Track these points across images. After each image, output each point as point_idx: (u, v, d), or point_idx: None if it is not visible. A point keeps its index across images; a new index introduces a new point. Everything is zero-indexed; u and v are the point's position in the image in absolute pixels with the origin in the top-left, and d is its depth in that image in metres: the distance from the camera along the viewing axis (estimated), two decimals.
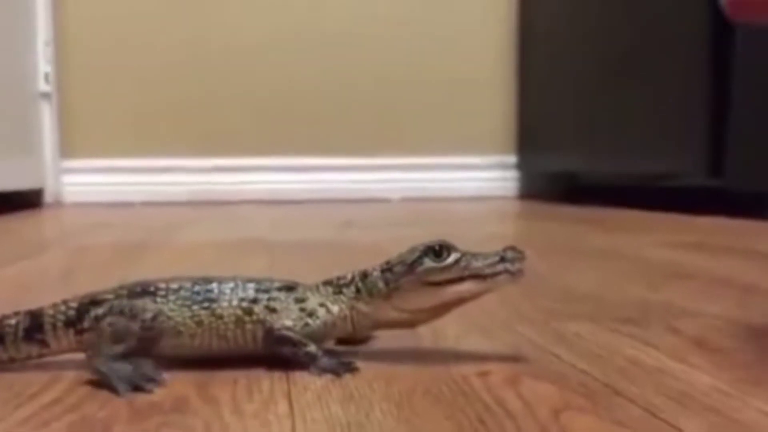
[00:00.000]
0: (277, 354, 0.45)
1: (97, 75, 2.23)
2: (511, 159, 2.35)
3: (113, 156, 2.22)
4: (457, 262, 0.45)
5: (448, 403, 0.39)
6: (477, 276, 0.44)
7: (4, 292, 0.79)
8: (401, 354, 0.49)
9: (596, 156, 1.96)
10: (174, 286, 0.45)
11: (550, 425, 0.36)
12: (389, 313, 0.46)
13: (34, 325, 0.45)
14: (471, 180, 2.33)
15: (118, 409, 0.39)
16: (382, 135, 2.31)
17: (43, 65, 2.15)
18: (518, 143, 2.34)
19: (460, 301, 0.45)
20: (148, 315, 0.44)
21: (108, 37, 2.23)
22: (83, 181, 2.21)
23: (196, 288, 0.45)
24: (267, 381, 0.43)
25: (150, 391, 0.41)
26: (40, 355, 0.46)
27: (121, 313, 0.44)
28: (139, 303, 0.45)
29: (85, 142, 2.22)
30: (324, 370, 0.44)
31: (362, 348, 0.50)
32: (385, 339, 0.51)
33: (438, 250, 0.45)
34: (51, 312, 0.46)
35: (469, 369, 0.45)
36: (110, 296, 0.46)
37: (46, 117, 2.17)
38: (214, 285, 0.46)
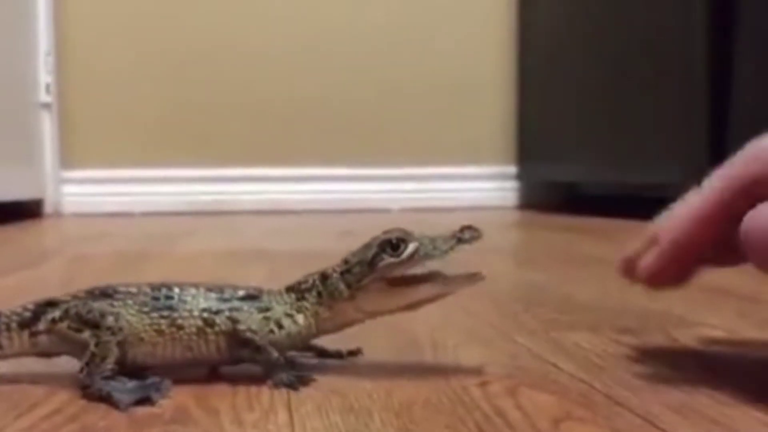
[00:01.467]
0: (238, 358, 0.45)
1: (97, 86, 2.24)
2: (511, 169, 2.35)
3: (113, 166, 2.22)
4: (415, 252, 0.44)
5: (448, 413, 0.39)
6: (438, 276, 0.44)
7: (4, 302, 0.79)
8: (401, 364, 0.49)
9: (596, 166, 1.96)
10: (133, 290, 0.45)
11: None
12: (352, 314, 0.45)
13: None
14: (471, 190, 2.34)
15: (119, 420, 0.39)
16: (381, 145, 2.31)
17: (44, 76, 2.15)
18: (518, 153, 2.34)
19: (423, 302, 0.45)
20: (110, 320, 0.43)
21: (108, 48, 2.24)
22: (83, 192, 2.21)
23: (156, 294, 0.44)
24: (267, 391, 0.43)
25: (154, 403, 0.41)
26: None
27: (78, 316, 0.44)
28: (96, 305, 0.44)
29: (86, 152, 2.23)
30: (280, 384, 0.43)
31: (360, 359, 0.50)
32: (384, 350, 0.51)
33: (395, 243, 0.44)
34: (7, 313, 0.45)
35: (468, 379, 0.45)
36: (68, 298, 0.45)
37: (47, 127, 2.17)
38: (175, 292, 0.45)
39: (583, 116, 2.02)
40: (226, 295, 0.45)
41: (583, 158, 2.02)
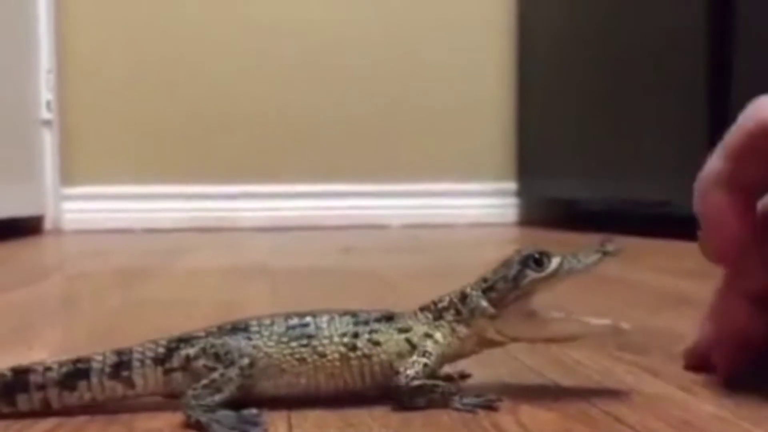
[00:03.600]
0: (383, 389, 0.43)
1: (98, 103, 2.24)
2: (511, 185, 2.35)
3: (114, 183, 2.23)
4: (559, 267, 0.43)
5: (448, 430, 0.39)
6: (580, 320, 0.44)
7: (5, 319, 0.79)
8: None
9: (596, 182, 1.96)
10: (267, 321, 0.43)
11: None
12: (492, 334, 0.44)
13: (121, 362, 0.43)
14: (471, 207, 2.34)
15: None
16: (381, 161, 2.31)
17: (45, 93, 2.16)
18: (518, 170, 2.35)
19: (561, 340, 0.44)
20: (246, 361, 0.42)
21: (109, 66, 2.24)
22: (84, 208, 2.21)
23: (291, 323, 0.43)
24: (266, 407, 0.43)
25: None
26: (124, 397, 0.43)
27: (216, 355, 0.42)
28: (233, 342, 0.42)
29: (86, 169, 2.23)
30: (470, 406, 0.41)
31: None
32: None
33: (538, 258, 0.43)
34: (139, 349, 0.43)
35: (468, 396, 0.45)
36: (201, 334, 0.43)
37: (48, 144, 2.17)
38: (310, 319, 0.43)
39: (583, 132, 2.02)
40: (362, 318, 0.43)
41: (583, 174, 2.02)
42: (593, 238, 0.45)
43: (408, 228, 2.22)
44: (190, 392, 0.40)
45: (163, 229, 2.17)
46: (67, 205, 2.21)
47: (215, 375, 0.41)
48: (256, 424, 0.40)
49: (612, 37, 1.90)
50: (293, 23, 2.29)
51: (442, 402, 0.42)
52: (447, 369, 0.49)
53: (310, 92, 2.29)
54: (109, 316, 0.80)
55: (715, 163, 0.44)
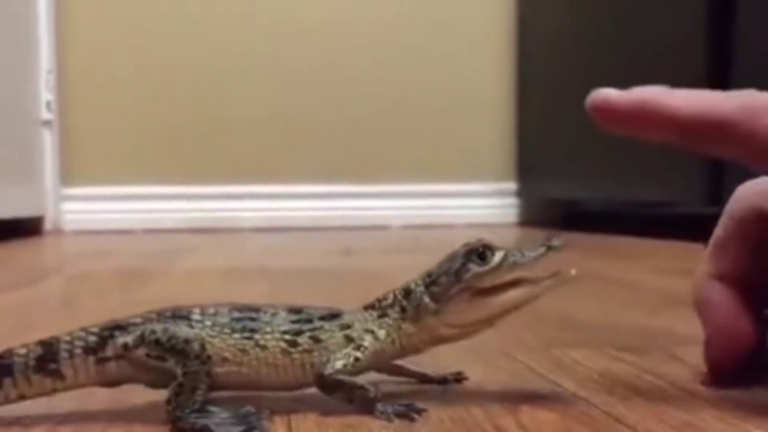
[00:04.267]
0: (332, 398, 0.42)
1: (98, 103, 2.24)
2: (511, 185, 2.36)
3: (114, 183, 2.23)
4: (503, 261, 0.42)
5: (449, 431, 0.39)
6: (525, 280, 0.42)
7: (5, 320, 0.79)
8: (401, 382, 0.48)
9: (596, 183, 1.97)
10: (210, 311, 0.42)
11: None
12: (440, 329, 0.43)
13: (48, 354, 0.41)
14: (471, 207, 2.34)
15: None
16: (381, 162, 2.31)
17: (45, 93, 2.16)
18: (518, 170, 2.35)
19: (513, 308, 0.43)
20: (196, 346, 0.40)
21: (109, 66, 2.25)
22: (83, 209, 2.21)
23: (235, 315, 0.42)
24: (266, 407, 0.43)
25: (266, 430, 0.38)
26: (54, 390, 0.41)
27: (157, 342, 0.40)
28: (175, 332, 0.41)
29: (86, 169, 2.23)
30: (388, 416, 0.40)
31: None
32: None
33: (481, 252, 0.42)
34: (67, 339, 0.41)
35: (468, 397, 0.45)
36: (138, 321, 0.42)
37: (48, 145, 2.17)
38: (253, 313, 0.42)
39: (584, 133, 2.02)
40: (306, 316, 0.43)
41: (583, 175, 2.03)
42: (540, 235, 0.45)
43: (408, 228, 2.22)
44: (168, 407, 0.39)
45: (163, 229, 2.17)
46: (67, 206, 2.21)
47: (179, 377, 0.39)
48: (259, 418, 0.39)
49: (611, 39, 1.90)
50: (293, 24, 2.29)
51: (361, 404, 0.41)
52: (442, 370, 0.49)
53: (310, 93, 2.29)
54: (109, 317, 0.79)
55: (707, 264, 0.44)
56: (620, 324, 0.71)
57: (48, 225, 2.18)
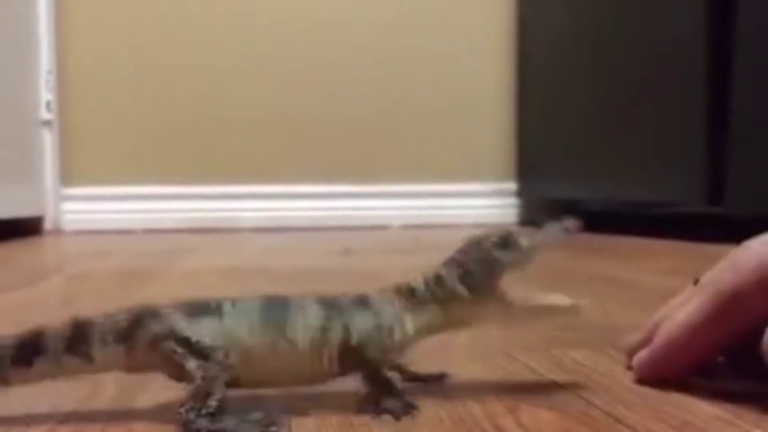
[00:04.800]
0: (352, 374, 0.43)
1: (98, 103, 2.24)
2: (511, 185, 2.36)
3: (114, 183, 2.23)
4: (529, 245, 0.44)
5: (449, 431, 0.39)
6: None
7: (5, 319, 0.79)
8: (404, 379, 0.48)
9: (596, 183, 1.97)
10: (240, 303, 0.42)
11: None
12: (468, 317, 0.45)
13: (79, 336, 0.41)
14: (471, 207, 2.34)
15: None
16: (382, 162, 2.31)
17: (45, 93, 2.16)
18: (518, 170, 2.35)
19: (531, 320, 0.46)
20: (221, 354, 0.40)
21: (109, 66, 2.25)
22: (83, 209, 2.22)
23: (264, 306, 0.42)
24: (265, 406, 0.43)
25: None
26: (82, 371, 0.41)
27: (185, 341, 0.40)
28: (206, 333, 0.40)
29: (86, 169, 2.23)
30: (386, 411, 0.41)
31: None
32: None
33: (510, 241, 0.44)
34: (100, 321, 0.41)
35: (468, 396, 0.45)
36: (168, 310, 0.41)
37: (48, 145, 2.18)
38: (283, 304, 0.42)
39: (583, 133, 2.02)
40: (336, 304, 0.43)
41: (583, 175, 2.03)
42: (552, 219, 0.46)
43: (408, 228, 2.22)
44: (180, 408, 0.39)
45: (163, 229, 2.17)
46: (67, 206, 2.21)
47: (197, 380, 0.39)
48: (273, 423, 0.39)
49: (611, 40, 1.90)
50: (293, 25, 2.29)
51: (381, 387, 0.42)
52: (437, 370, 0.49)
53: (311, 94, 2.29)
54: None
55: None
56: (621, 324, 0.71)
57: (48, 225, 2.18)
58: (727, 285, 0.41)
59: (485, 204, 2.35)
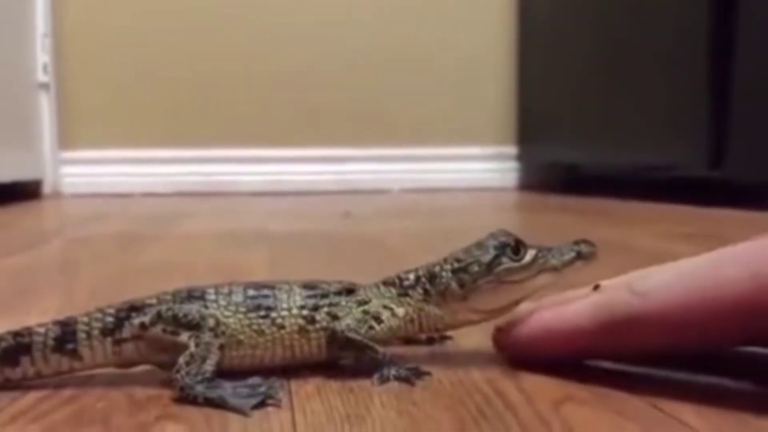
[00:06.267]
0: (340, 359, 0.43)
1: (95, 66, 2.22)
2: (512, 150, 2.35)
3: (113, 147, 2.22)
4: (534, 259, 0.43)
5: (449, 395, 0.39)
6: (546, 264, 0.43)
7: (5, 283, 0.79)
8: (401, 348, 0.48)
9: (597, 147, 1.96)
10: (225, 290, 0.42)
11: (551, 417, 0.36)
12: (465, 315, 0.44)
13: (66, 334, 0.41)
14: (471, 171, 2.33)
15: (117, 401, 0.39)
16: (382, 125, 2.30)
17: (42, 56, 2.14)
18: (518, 134, 2.33)
19: (534, 294, 0.44)
20: (212, 321, 0.41)
21: (106, 28, 2.22)
22: (82, 172, 2.21)
23: (250, 293, 0.42)
24: (264, 373, 0.43)
25: (279, 404, 0.38)
26: (71, 370, 0.42)
27: (174, 318, 0.41)
28: (191, 308, 0.41)
29: (84, 133, 2.22)
30: (390, 379, 0.41)
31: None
32: None
33: (515, 248, 0.43)
34: (84, 320, 0.42)
35: (468, 361, 0.45)
36: (153, 302, 0.42)
37: (45, 108, 2.16)
38: (269, 291, 0.42)
39: (584, 97, 2.01)
40: (322, 291, 0.43)
41: (583, 139, 2.02)
42: (568, 240, 0.44)
43: (408, 192, 2.22)
44: (176, 375, 0.39)
45: (162, 193, 2.17)
46: (66, 170, 2.21)
47: (191, 347, 0.40)
48: (271, 387, 0.39)
49: (614, 2, 1.88)
50: None
51: (369, 365, 0.42)
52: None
53: (310, 56, 2.27)
54: (108, 281, 0.80)
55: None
56: None
57: (47, 188, 2.17)
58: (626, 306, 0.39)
59: (485, 168, 2.34)
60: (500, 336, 0.44)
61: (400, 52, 2.30)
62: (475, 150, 2.34)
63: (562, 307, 0.42)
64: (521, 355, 0.43)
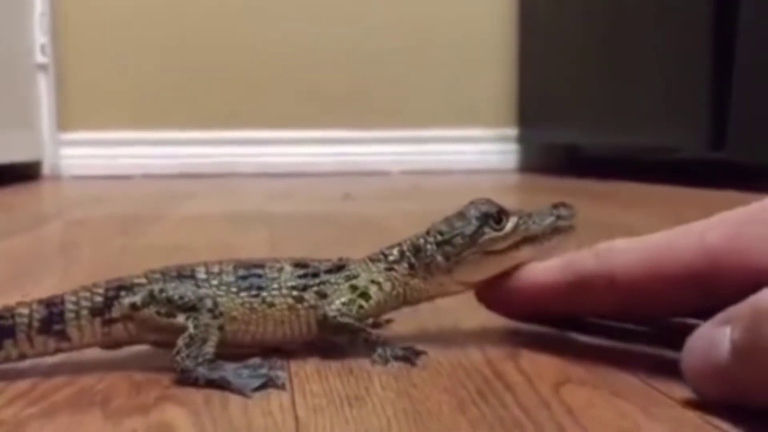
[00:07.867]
0: (333, 341, 0.43)
1: (94, 46, 2.21)
2: (512, 131, 2.34)
3: (111, 128, 2.21)
4: (516, 227, 0.43)
5: (448, 376, 0.39)
6: (533, 239, 0.43)
7: (5, 265, 0.79)
8: (400, 329, 0.48)
9: (598, 128, 1.95)
10: (215, 269, 0.42)
11: (550, 398, 0.36)
12: (449, 286, 0.44)
13: (53, 315, 0.40)
14: (471, 153, 2.33)
15: (117, 382, 0.39)
16: (381, 107, 2.29)
17: (40, 36, 2.13)
18: (519, 115, 2.33)
19: (518, 265, 0.44)
20: (209, 302, 0.40)
21: (105, 8, 2.21)
22: (81, 154, 2.20)
23: (240, 273, 0.42)
24: (264, 352, 0.43)
25: (282, 385, 0.38)
26: (57, 350, 0.41)
27: (169, 300, 0.40)
28: (186, 289, 0.41)
29: (83, 114, 2.21)
30: (387, 359, 0.41)
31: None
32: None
33: (496, 217, 0.43)
34: (72, 299, 0.40)
35: (468, 343, 0.45)
36: (143, 281, 0.41)
37: (43, 89, 2.15)
38: (259, 270, 0.42)
39: (584, 78, 2.00)
40: (312, 270, 0.43)
41: (583, 121, 2.01)
42: (546, 203, 0.45)
43: (408, 174, 2.21)
44: (176, 357, 0.39)
45: (161, 174, 2.16)
46: (65, 151, 2.20)
47: (190, 329, 0.39)
48: (273, 368, 0.39)
49: None
50: None
51: (364, 347, 0.42)
52: (439, 318, 0.48)
53: (311, 38, 2.26)
54: (107, 263, 0.80)
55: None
56: None
57: (46, 170, 2.17)
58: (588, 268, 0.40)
59: (485, 150, 2.34)
60: (484, 289, 0.45)
61: (400, 33, 2.29)
62: (475, 132, 2.33)
63: (543, 263, 0.43)
64: (503, 306, 0.45)
